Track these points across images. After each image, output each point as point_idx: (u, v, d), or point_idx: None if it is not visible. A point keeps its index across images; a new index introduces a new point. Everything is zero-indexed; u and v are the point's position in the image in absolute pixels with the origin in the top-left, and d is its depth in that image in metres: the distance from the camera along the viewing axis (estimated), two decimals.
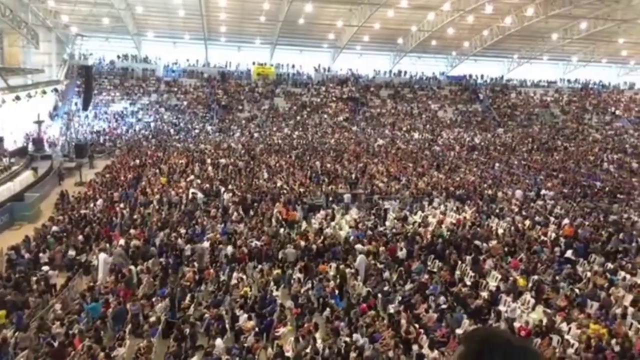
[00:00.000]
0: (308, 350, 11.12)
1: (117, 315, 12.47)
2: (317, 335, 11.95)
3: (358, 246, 17.47)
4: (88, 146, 33.19)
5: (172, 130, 40.87)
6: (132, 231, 18.16)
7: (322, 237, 18.36)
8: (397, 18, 40.33)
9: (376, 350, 11.26)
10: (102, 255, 15.22)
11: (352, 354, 10.95)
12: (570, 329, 12.65)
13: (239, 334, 12.16)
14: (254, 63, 49.56)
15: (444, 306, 13.65)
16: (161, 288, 14.28)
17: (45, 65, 38.34)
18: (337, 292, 14.54)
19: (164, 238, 17.60)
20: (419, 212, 22.71)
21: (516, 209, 23.33)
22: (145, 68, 47.61)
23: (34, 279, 14.24)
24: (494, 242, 18.42)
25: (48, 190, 25.31)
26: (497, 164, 33.72)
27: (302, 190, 24.48)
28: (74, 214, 19.97)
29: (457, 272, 16.39)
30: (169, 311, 12.97)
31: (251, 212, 21.62)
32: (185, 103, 45.02)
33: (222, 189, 23.96)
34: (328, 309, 13.41)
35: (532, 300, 14.31)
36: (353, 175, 27.97)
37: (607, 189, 27.77)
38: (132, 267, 15.03)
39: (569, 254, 17.58)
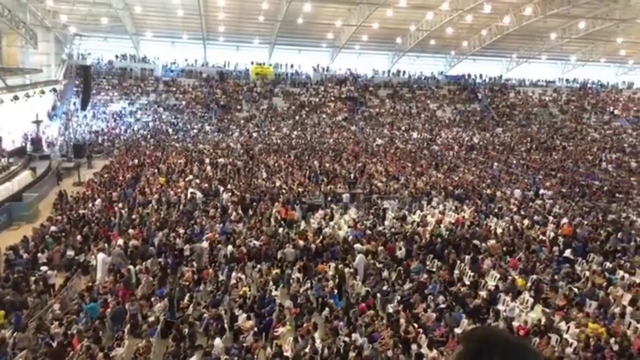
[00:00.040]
0: (307, 349, 11.12)
1: (116, 315, 12.45)
2: (316, 334, 11.94)
3: (357, 246, 17.48)
4: (86, 146, 33.17)
5: (170, 130, 40.85)
6: (130, 231, 18.15)
7: (321, 237, 18.37)
8: (395, 17, 40.34)
9: (375, 350, 11.26)
10: (101, 255, 15.21)
11: (351, 354, 10.95)
12: (569, 328, 12.66)
13: (237, 334, 12.16)
14: (252, 63, 49.55)
15: (442, 305, 13.66)
16: (160, 288, 14.27)
17: (44, 65, 38.33)
18: (336, 291, 14.55)
19: (163, 238, 17.58)
20: (418, 212, 22.72)
21: (515, 209, 23.36)
22: (143, 68, 47.58)
23: (33, 279, 14.21)
24: (492, 242, 18.43)
25: (46, 190, 25.26)
26: (495, 164, 33.75)
27: (301, 189, 24.48)
28: (73, 214, 19.94)
29: (456, 272, 16.40)
30: (168, 311, 12.96)
31: (250, 212, 21.63)
32: (183, 103, 44.99)
33: (221, 189, 23.95)
34: (327, 309, 13.41)
35: (531, 300, 14.32)
36: (352, 175, 27.98)
37: (605, 188, 27.82)
38: (131, 267, 15.01)
39: (567, 253, 17.59)
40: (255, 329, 12.11)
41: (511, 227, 20.35)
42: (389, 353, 11.21)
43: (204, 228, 18.85)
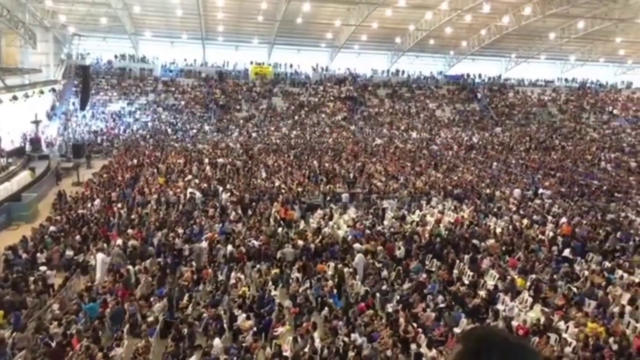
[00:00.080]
0: (306, 349, 11.12)
1: (115, 315, 12.45)
2: (316, 334, 11.94)
3: (356, 245, 17.48)
4: (85, 146, 33.15)
5: (169, 130, 40.81)
6: (129, 231, 18.13)
7: (320, 237, 18.38)
8: (394, 17, 40.34)
9: (374, 350, 11.26)
10: (100, 255, 15.20)
11: (351, 353, 10.96)
12: (568, 327, 12.68)
13: (237, 334, 12.16)
14: (251, 62, 49.51)
15: (442, 305, 13.68)
16: (159, 288, 14.27)
17: (43, 65, 38.28)
18: (335, 291, 14.56)
19: (162, 238, 17.57)
20: (417, 211, 22.72)
21: (514, 208, 23.38)
22: (142, 68, 47.50)
23: (32, 279, 14.20)
24: (491, 241, 18.45)
25: (45, 190, 25.24)
26: (495, 163, 33.77)
27: (300, 189, 24.48)
28: (72, 214, 19.93)
29: (455, 271, 16.42)
30: (167, 311, 12.96)
31: (249, 212, 21.62)
32: (182, 103, 44.94)
33: (220, 189, 23.94)
34: (326, 309, 13.41)
35: (530, 299, 14.35)
36: (351, 175, 27.97)
37: (604, 187, 27.86)
38: (130, 267, 15.00)
39: (566, 252, 17.61)
40: (255, 328, 12.12)
41: (510, 227, 20.38)
42: (388, 352, 11.21)
43: (203, 228, 18.84)
